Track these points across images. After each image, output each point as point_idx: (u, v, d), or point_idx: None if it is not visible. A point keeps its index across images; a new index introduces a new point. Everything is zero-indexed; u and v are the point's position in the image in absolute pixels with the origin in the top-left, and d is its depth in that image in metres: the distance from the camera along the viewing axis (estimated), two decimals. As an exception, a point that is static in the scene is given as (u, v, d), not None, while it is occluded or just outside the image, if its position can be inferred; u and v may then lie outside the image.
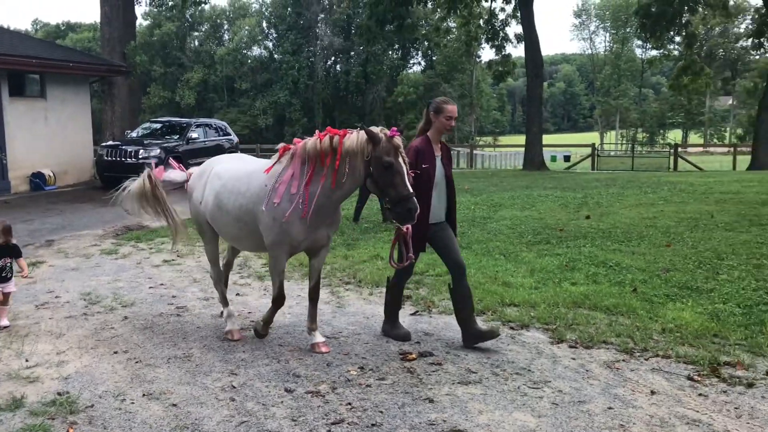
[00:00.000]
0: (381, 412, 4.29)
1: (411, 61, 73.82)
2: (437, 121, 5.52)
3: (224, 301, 6.17)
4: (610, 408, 4.36)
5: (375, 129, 5.00)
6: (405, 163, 4.98)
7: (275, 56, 70.57)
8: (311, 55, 69.50)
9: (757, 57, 61.02)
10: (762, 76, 45.50)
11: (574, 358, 5.28)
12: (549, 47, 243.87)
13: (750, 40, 40.72)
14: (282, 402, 4.46)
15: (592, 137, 62.70)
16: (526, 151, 28.24)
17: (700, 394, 4.58)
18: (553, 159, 38.30)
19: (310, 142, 5.20)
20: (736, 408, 4.37)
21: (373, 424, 4.12)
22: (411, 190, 4.92)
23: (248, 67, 70.67)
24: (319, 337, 5.56)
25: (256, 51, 73.52)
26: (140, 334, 5.95)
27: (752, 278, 7.37)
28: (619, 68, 77.18)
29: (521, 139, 31.89)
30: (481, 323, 5.81)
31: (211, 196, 5.75)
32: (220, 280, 6.26)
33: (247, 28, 71.87)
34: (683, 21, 30.37)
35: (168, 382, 4.84)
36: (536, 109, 28.66)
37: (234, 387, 4.72)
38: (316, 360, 5.26)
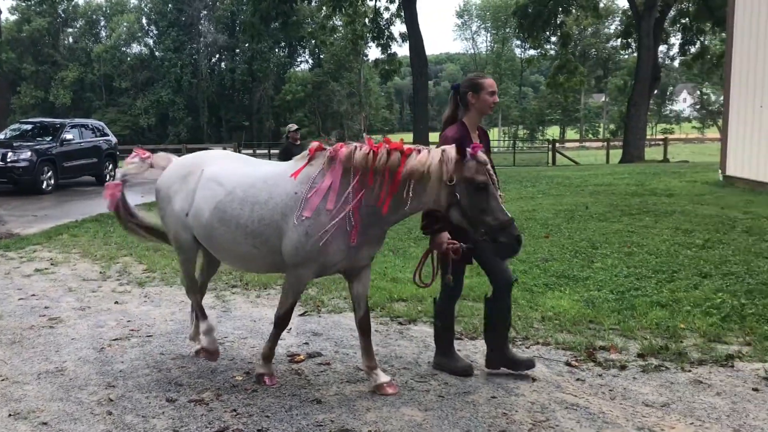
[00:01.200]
0: (267, 416, 4.20)
1: (298, 59, 73.43)
2: (478, 101, 4.64)
3: (203, 315, 5.19)
4: (493, 397, 4.47)
5: (453, 147, 4.08)
6: (494, 181, 4.15)
7: (156, 54, 68.24)
8: (194, 52, 67.67)
9: (626, 56, 64.97)
10: (630, 75, 48.36)
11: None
12: (434, 47, 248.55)
13: (619, 40, 43.18)
14: (163, 413, 4.28)
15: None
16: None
17: (577, 379, 4.78)
18: (440, 156, 39.02)
19: (360, 153, 4.24)
20: (610, 390, 4.58)
21: (259, 430, 4.02)
22: (509, 214, 4.10)
23: (128, 65, 67.89)
24: (383, 377, 4.59)
25: (135, 48, 70.88)
26: (7, 350, 5.54)
27: (624, 265, 7.80)
28: (500, 67, 79.81)
29: (410, 137, 32.41)
30: (518, 350, 5.23)
31: (207, 207, 4.62)
32: (196, 290, 5.29)
33: (125, 24, 69.06)
34: (558, 22, 31.82)
35: (38, 399, 4.53)
36: (422, 108, 29.22)
37: (111, 400, 4.48)
38: (200, 367, 5.09)
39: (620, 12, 55.48)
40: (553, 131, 78.79)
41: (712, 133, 63.85)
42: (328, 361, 5.18)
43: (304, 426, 4.06)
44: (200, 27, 67.24)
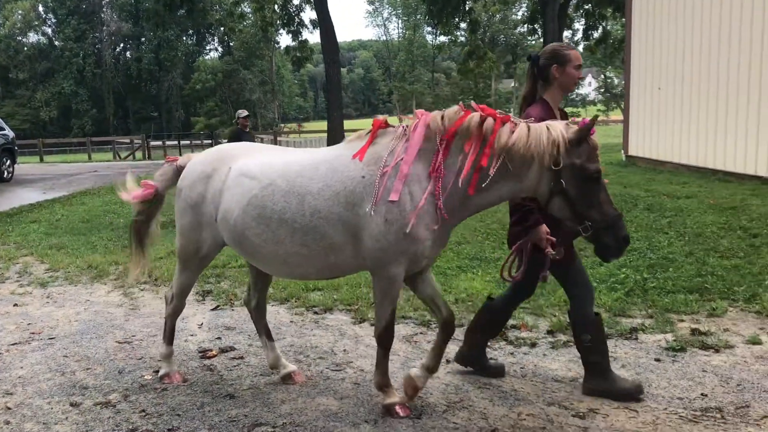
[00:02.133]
0: (178, 415, 4.07)
1: (207, 47, 71.68)
2: (563, 76, 4.00)
3: (171, 339, 4.71)
4: (409, 381, 4.48)
5: (561, 124, 3.52)
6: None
7: (56, 43, 65.10)
8: (97, 41, 65.05)
9: (533, 42, 66.60)
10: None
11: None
12: (346, 33, 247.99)
13: (525, 26, 44.21)
14: (67, 418, 4.08)
15: (392, 121, 64.86)
16: (329, 137, 28.55)
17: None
18: (356, 143, 39.04)
19: (451, 111, 3.66)
20: (521, 368, 4.69)
21: (169, 429, 3.89)
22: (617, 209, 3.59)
23: (25, 55, 64.53)
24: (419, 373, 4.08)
25: (33, 38, 67.37)
26: None
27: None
28: (412, 54, 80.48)
29: (325, 124, 32.22)
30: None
31: (238, 206, 3.98)
32: (177, 315, 4.71)
33: (20, 12, 65.46)
34: (466, 8, 32.23)
35: (-73, 413, 4.23)
36: (336, 95, 29.03)
37: (9, 408, 4.23)
38: (107, 369, 4.88)
39: (527, -2, 56.79)
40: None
41: (616, 115, 66.35)
42: (242, 355, 5.07)
43: (217, 423, 3.96)
44: (102, 15, 64.58)
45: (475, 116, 3.57)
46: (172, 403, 4.25)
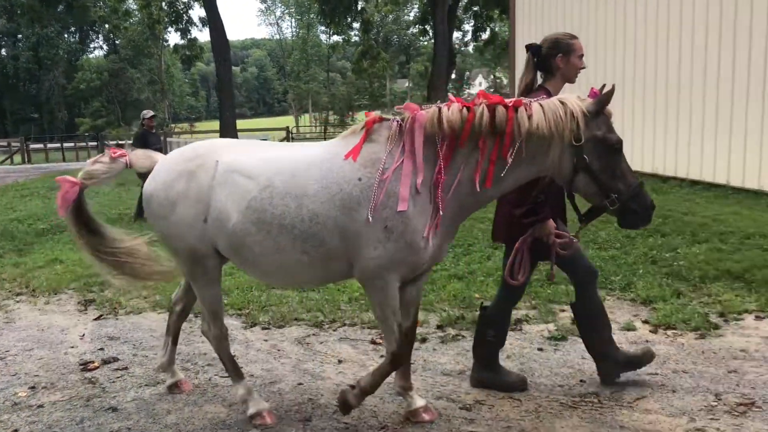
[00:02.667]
0: (55, 432, 3.87)
1: (92, 45, 68.59)
2: (567, 66, 3.91)
3: (238, 373, 4.05)
4: (300, 384, 4.45)
5: (574, 97, 3.39)
6: None
7: None
8: (-32, 38, 60.81)
9: (425, 42, 67.83)
10: (430, 60, 50.61)
11: (266, 340, 5.31)
12: (238, 32, 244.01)
13: (417, 27, 44.95)
14: (-71, 444, 3.79)
15: (288, 121, 64.52)
16: (221, 137, 27.97)
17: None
18: (250, 143, 38.58)
19: (452, 112, 3.38)
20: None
21: (45, 449, 3.69)
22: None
23: None
24: (419, 401, 3.88)
25: None
26: None
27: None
28: (307, 53, 79.90)
29: (217, 124, 31.54)
30: (628, 345, 4.72)
31: (236, 208, 3.56)
32: (226, 341, 4.04)
33: None
34: (359, 8, 32.42)
35: None
36: (228, 94, 28.50)
37: None
38: (-24, 387, 4.57)
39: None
40: (362, 116, 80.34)
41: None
42: (126, 366, 4.88)
43: (98, 438, 3.79)
44: (-27, 9, 60.46)
45: (484, 112, 3.35)
46: (48, 420, 4.03)
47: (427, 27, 37.11)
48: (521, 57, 16.45)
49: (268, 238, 3.52)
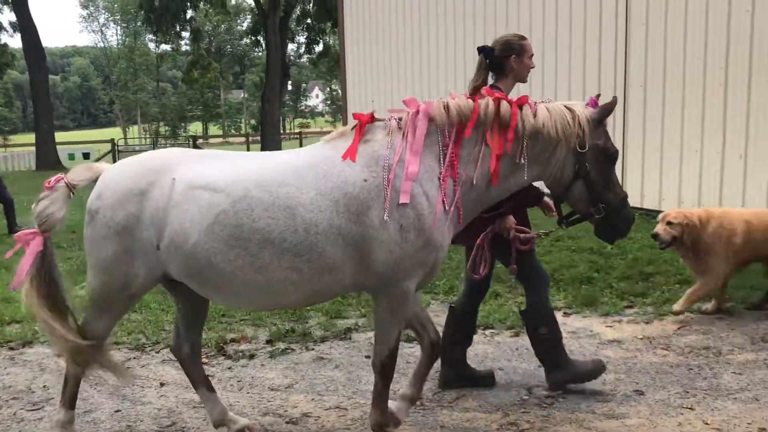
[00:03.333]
0: None
1: None
2: (520, 66, 3.99)
3: (72, 401, 3.64)
4: (117, 411, 4.21)
5: (580, 104, 3.44)
6: None
7: None
8: None
9: (260, 53, 67.27)
10: (264, 71, 50.31)
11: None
12: (58, 39, 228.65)
13: (249, 37, 44.49)
14: None
15: (115, 132, 61.29)
16: (38, 150, 26.09)
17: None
18: (71, 157, 35.99)
19: (460, 99, 3.34)
20: (239, 381, 4.65)
21: None
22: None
23: None
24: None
25: None
26: None
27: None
28: (134, 62, 76.40)
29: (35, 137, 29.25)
30: (580, 357, 4.63)
31: (198, 227, 3.17)
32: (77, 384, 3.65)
33: None
34: (187, 16, 31.51)
35: None
36: (45, 104, 26.60)
37: None
38: None
39: (249, 10, 57.23)
40: (195, 127, 78.23)
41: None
42: None
43: None
44: None
45: (491, 102, 3.31)
46: None
47: (260, 38, 36.82)
48: (352, 69, 16.85)
49: (244, 256, 3.18)
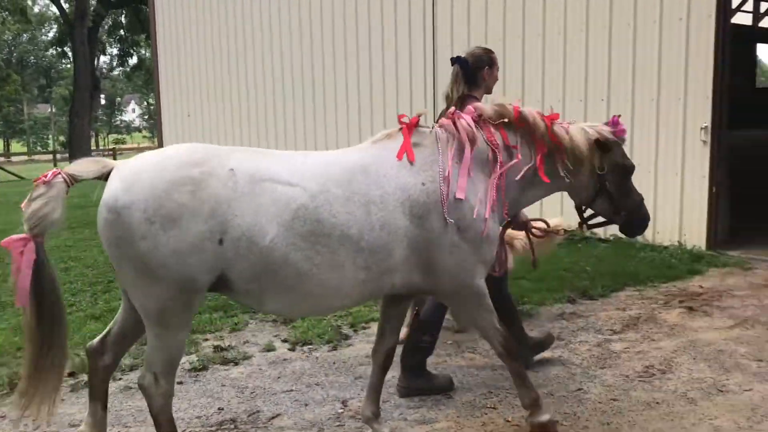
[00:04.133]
0: None
1: None
2: (490, 78, 4.35)
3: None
4: None
5: (599, 125, 3.63)
6: None
7: None
8: None
9: (67, 65, 62.98)
10: (73, 84, 47.19)
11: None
12: None
13: (55, 48, 41.61)
14: None
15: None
16: None
17: (1, 417, 4.32)
18: None
19: (505, 107, 3.50)
20: (33, 420, 4.25)
21: None
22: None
23: None
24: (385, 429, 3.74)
25: None
26: None
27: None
28: None
29: None
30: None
31: (278, 221, 2.93)
32: (170, 403, 3.17)
33: None
34: (-20, 24, 28.86)
35: None
36: None
37: None
38: None
39: (54, 19, 53.48)
40: (-5, 142, 71.55)
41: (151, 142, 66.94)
42: None
43: None
44: None
45: (536, 113, 3.51)
46: None
47: (66, 49, 34.49)
48: (166, 82, 16.29)
49: (324, 252, 3.01)
